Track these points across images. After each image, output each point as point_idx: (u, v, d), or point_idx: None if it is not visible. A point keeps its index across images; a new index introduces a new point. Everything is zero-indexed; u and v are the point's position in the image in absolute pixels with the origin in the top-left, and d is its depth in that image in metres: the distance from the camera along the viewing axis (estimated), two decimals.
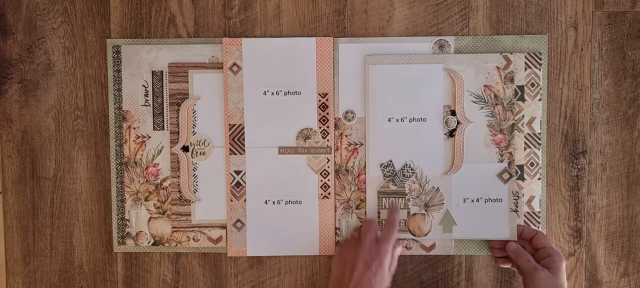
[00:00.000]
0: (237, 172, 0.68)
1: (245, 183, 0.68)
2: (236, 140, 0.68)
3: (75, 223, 0.69)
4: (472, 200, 0.66)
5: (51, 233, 0.69)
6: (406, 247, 0.68)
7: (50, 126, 0.69)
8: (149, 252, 0.69)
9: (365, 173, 0.68)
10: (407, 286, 0.69)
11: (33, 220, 0.69)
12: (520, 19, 0.67)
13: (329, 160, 0.67)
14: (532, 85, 0.66)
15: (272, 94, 0.67)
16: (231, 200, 0.68)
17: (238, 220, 0.68)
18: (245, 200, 0.68)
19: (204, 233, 0.68)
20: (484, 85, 0.66)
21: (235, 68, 0.67)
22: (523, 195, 0.66)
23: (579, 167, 0.67)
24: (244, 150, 0.67)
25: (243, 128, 0.67)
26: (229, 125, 0.67)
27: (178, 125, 0.68)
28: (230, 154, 0.68)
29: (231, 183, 0.68)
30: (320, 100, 0.67)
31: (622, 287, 0.68)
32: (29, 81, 0.68)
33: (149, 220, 0.68)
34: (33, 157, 0.69)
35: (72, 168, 0.69)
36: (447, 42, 0.67)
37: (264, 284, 0.69)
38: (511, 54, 0.66)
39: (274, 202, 0.68)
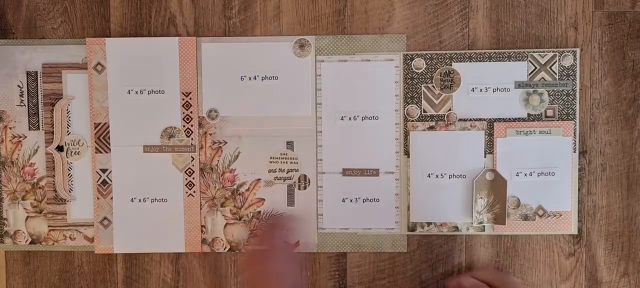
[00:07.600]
0: (103, 171, 0.68)
1: (111, 181, 0.68)
2: (101, 138, 0.68)
3: None
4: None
5: None
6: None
7: None
8: (36, 251, 0.68)
9: (229, 171, 0.68)
10: (407, 286, 0.69)
11: None
12: (521, 19, 0.67)
13: (193, 159, 0.68)
14: None
15: (137, 92, 0.67)
16: (98, 198, 0.68)
17: (105, 218, 0.68)
18: (111, 198, 0.68)
19: (80, 232, 0.69)
20: None
21: (99, 67, 0.67)
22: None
23: (579, 167, 0.67)
24: (109, 149, 0.68)
25: (108, 127, 0.68)
26: (95, 124, 0.68)
27: (53, 125, 0.68)
28: (96, 153, 0.68)
29: (97, 182, 0.68)
30: (183, 99, 0.68)
31: (622, 287, 0.68)
32: None
33: (26, 219, 0.69)
34: None
35: None
36: (308, 41, 0.66)
37: None
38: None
39: (140, 200, 0.68)
